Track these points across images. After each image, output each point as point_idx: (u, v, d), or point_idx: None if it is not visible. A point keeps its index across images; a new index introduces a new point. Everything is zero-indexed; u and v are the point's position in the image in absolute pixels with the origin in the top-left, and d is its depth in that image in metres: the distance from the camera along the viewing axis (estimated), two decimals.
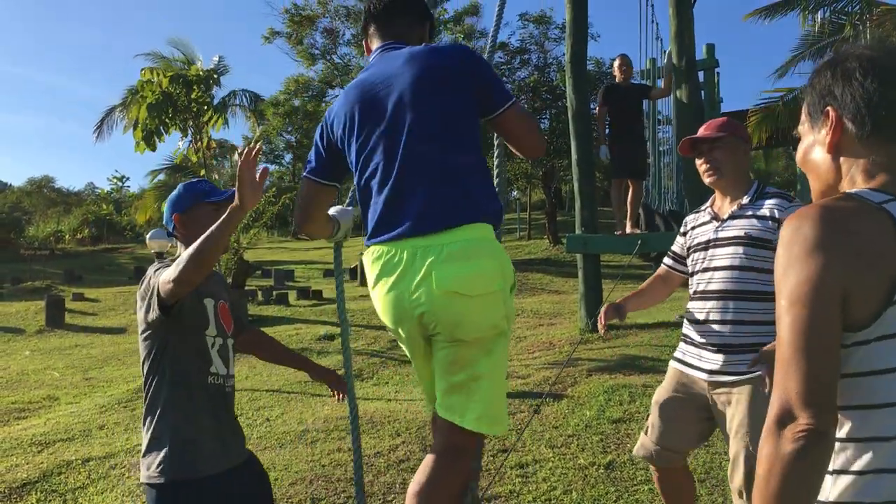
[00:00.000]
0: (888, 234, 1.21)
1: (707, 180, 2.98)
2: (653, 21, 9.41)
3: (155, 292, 2.31)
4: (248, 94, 29.07)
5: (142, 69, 9.93)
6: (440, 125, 2.29)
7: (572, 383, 6.36)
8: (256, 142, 30.83)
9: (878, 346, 1.21)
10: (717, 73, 10.87)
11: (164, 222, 2.66)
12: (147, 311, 2.36)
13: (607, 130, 7.85)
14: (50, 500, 4.79)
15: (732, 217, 2.87)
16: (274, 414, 6.32)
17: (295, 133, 32.90)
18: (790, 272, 1.23)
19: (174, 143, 23.95)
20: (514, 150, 2.55)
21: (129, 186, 40.29)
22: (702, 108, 8.53)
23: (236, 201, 2.22)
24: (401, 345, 2.49)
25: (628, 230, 7.91)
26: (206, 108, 10.19)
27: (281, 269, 18.37)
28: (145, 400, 2.45)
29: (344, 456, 4.93)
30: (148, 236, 8.81)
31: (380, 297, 2.33)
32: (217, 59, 19.56)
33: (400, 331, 2.34)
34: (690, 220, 3.14)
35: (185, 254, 2.22)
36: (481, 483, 4.14)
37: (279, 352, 3.06)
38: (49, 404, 7.73)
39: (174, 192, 2.65)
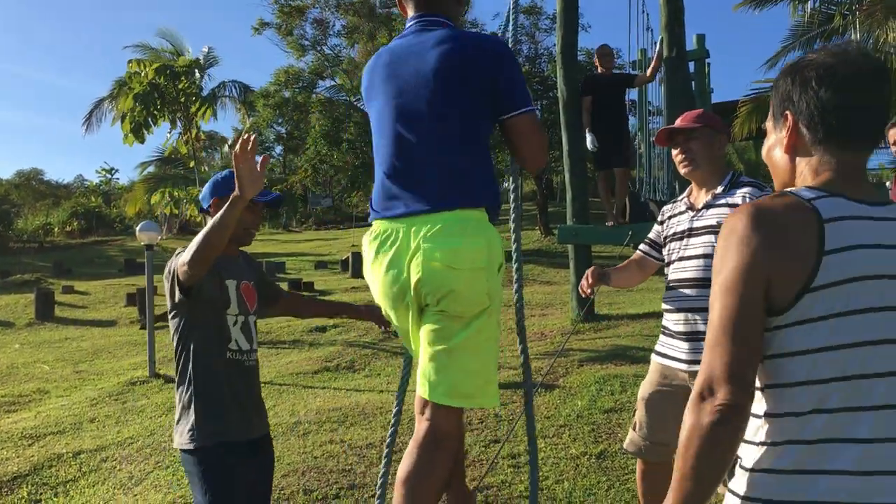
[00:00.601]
0: (810, 230, 1.32)
1: (682, 171, 3.00)
2: (643, 11, 9.39)
3: (175, 276, 2.54)
4: (237, 86, 28.95)
5: (129, 60, 9.87)
6: (451, 114, 2.36)
7: (564, 373, 6.37)
8: (247, 132, 30.76)
9: (795, 329, 1.33)
10: (708, 63, 10.84)
11: (200, 197, 2.86)
12: (171, 293, 2.60)
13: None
14: (41, 494, 4.78)
15: (707, 207, 2.90)
16: (266, 406, 6.31)
17: (285, 125, 32.76)
18: (723, 263, 1.37)
19: (163, 135, 23.95)
20: (514, 157, 2.60)
21: (118, 179, 40.08)
22: (692, 98, 8.53)
23: (236, 191, 2.34)
24: (395, 324, 2.53)
25: (619, 221, 7.93)
26: (194, 99, 10.13)
27: (272, 261, 18.31)
28: (176, 374, 2.70)
29: (336, 448, 4.93)
30: (138, 228, 8.74)
31: (378, 273, 2.42)
32: (206, 49, 19.48)
33: (397, 307, 2.42)
34: (668, 209, 3.17)
35: (195, 240, 2.43)
36: (474, 473, 4.15)
37: (320, 305, 3.48)
38: (39, 398, 7.70)
39: (220, 175, 2.83)
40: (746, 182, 2.89)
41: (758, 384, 1.37)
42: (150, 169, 30.37)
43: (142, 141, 9.10)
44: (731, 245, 1.36)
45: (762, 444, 1.36)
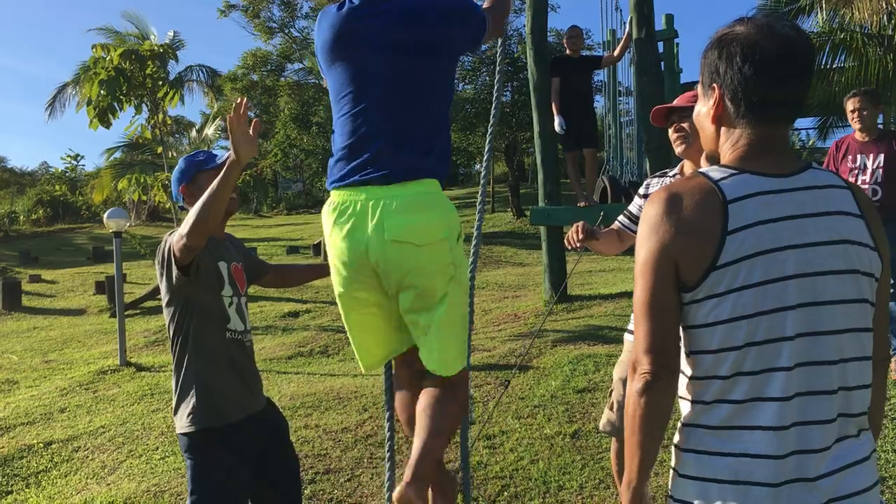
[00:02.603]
0: (715, 211, 1.43)
1: (677, 150, 3.00)
2: None
3: (172, 255, 2.50)
4: (204, 70, 28.53)
5: (93, 45, 9.66)
6: (422, 83, 2.38)
7: (537, 354, 6.41)
8: (215, 118, 30.38)
9: (706, 303, 1.45)
10: (677, 43, 10.87)
11: (174, 198, 2.86)
12: (168, 276, 2.56)
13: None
14: (12, 485, 4.72)
15: None
16: None
17: (254, 108, 32.41)
18: (640, 248, 1.50)
19: (129, 120, 23.51)
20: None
21: (84, 165, 39.42)
22: (661, 79, 8.56)
23: (232, 156, 2.36)
24: (341, 298, 2.50)
25: (590, 201, 7.96)
26: (161, 83, 9.97)
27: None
28: (173, 358, 2.67)
29: (311, 433, 4.93)
30: (105, 215, 8.61)
31: (336, 242, 2.39)
32: (172, 33, 19.15)
33: (353, 274, 2.40)
34: (654, 183, 3.15)
35: (191, 212, 2.39)
36: (450, 455, 4.17)
37: (302, 271, 3.44)
38: (8, 388, 7.58)
39: (176, 167, 2.82)
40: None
41: (686, 350, 1.51)
42: (117, 155, 29.91)
43: (108, 126, 8.91)
44: (644, 231, 1.49)
45: (695, 402, 1.50)
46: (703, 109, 1.59)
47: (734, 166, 1.49)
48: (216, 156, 2.77)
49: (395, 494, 2.22)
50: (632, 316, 3.04)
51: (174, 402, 2.67)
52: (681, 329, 1.51)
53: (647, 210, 1.49)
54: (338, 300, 2.54)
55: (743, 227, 1.42)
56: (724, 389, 1.45)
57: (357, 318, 2.54)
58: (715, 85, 1.53)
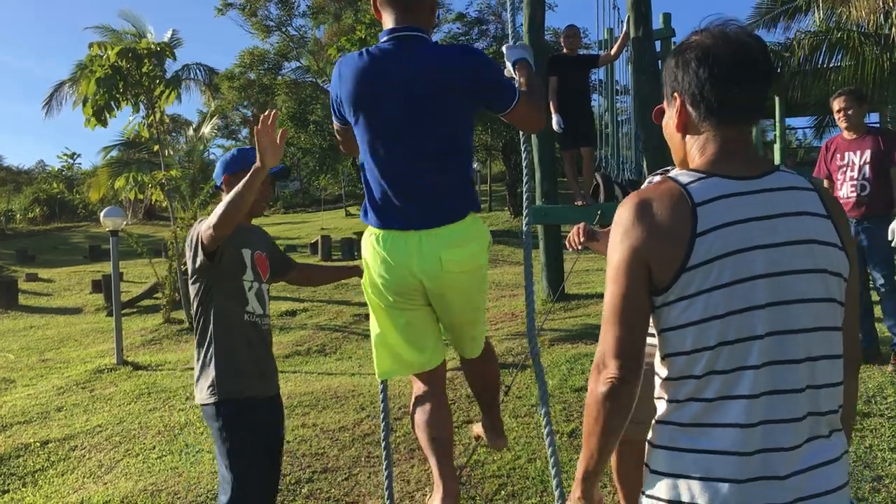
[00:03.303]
0: (684, 215, 1.46)
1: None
2: None
3: (199, 241, 2.77)
4: (202, 68, 28.48)
5: (90, 43, 9.64)
6: (445, 127, 2.53)
7: None
8: (212, 116, 30.32)
9: (678, 305, 1.47)
10: (674, 42, 10.87)
11: (213, 176, 3.11)
12: (195, 258, 2.83)
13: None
14: (9, 484, 4.71)
15: None
16: None
17: (251, 107, 32.35)
18: (611, 253, 1.54)
19: (126, 119, 23.45)
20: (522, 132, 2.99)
21: (80, 164, 39.31)
22: (659, 77, 8.56)
23: (258, 162, 2.60)
24: (380, 310, 2.72)
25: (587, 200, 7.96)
26: (157, 82, 9.95)
27: None
28: (196, 335, 2.93)
29: (308, 431, 4.92)
30: (102, 214, 8.59)
31: (382, 271, 2.60)
32: (170, 32, 19.11)
33: (400, 297, 2.64)
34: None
35: (218, 207, 2.67)
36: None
37: (327, 272, 3.81)
38: (5, 387, 7.57)
39: (228, 154, 3.08)
40: None
41: (661, 353, 1.54)
42: (114, 153, 29.84)
43: (104, 125, 8.86)
44: (616, 236, 1.53)
45: (669, 400, 1.53)
46: (669, 119, 1.65)
47: (702, 170, 1.53)
48: (273, 168, 2.89)
49: (497, 446, 3.19)
50: None
51: (196, 374, 2.91)
52: (655, 333, 1.54)
53: (619, 215, 1.53)
54: (377, 313, 2.74)
55: (712, 229, 1.45)
56: (698, 388, 1.48)
57: (402, 322, 2.71)
58: (676, 93, 1.59)
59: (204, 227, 2.74)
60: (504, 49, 2.87)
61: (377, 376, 2.90)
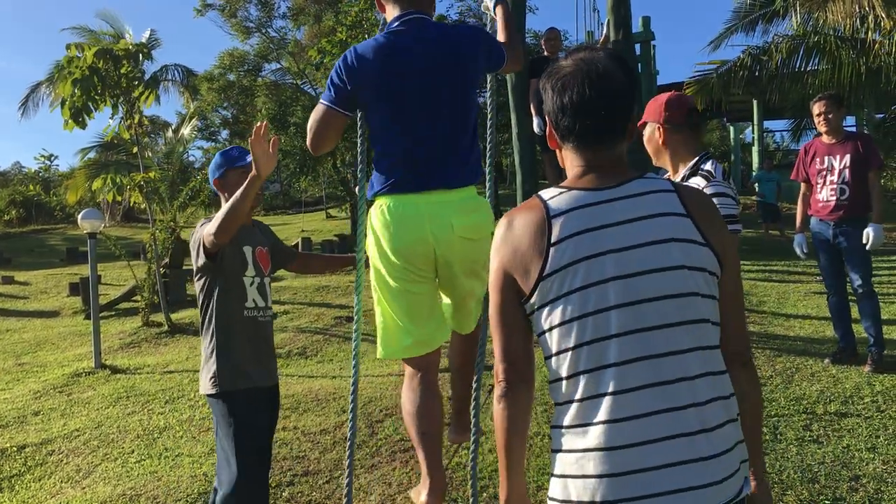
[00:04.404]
0: (541, 227, 1.58)
1: (656, 161, 3.11)
2: None
3: (201, 243, 2.95)
4: (180, 69, 28.32)
5: (67, 45, 9.53)
6: (461, 102, 2.77)
7: None
8: (191, 118, 30.12)
9: (542, 311, 1.59)
10: (654, 45, 10.95)
11: (209, 171, 3.24)
12: (197, 257, 3.02)
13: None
14: None
15: None
16: None
17: (231, 109, 32.16)
18: (489, 267, 1.67)
19: (105, 120, 23.23)
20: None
21: (58, 165, 38.98)
22: (639, 81, 8.61)
23: (253, 171, 2.76)
24: (386, 287, 2.83)
25: None
26: (136, 83, 9.85)
27: None
28: (201, 329, 3.13)
29: (289, 434, 4.90)
30: (80, 216, 8.49)
31: (393, 239, 2.73)
32: (148, 33, 18.96)
33: (409, 265, 2.76)
34: None
35: (218, 214, 2.83)
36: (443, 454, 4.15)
37: (323, 260, 3.98)
38: None
39: (213, 161, 3.22)
40: (701, 171, 2.98)
41: (544, 359, 1.64)
42: (91, 155, 29.57)
43: (83, 127, 8.75)
44: (491, 252, 1.66)
45: (556, 404, 1.63)
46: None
47: (565, 185, 1.64)
48: (247, 152, 3.03)
49: (456, 440, 3.38)
50: None
51: (201, 365, 3.11)
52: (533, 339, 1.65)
53: (496, 232, 1.66)
54: (385, 288, 2.84)
55: (565, 238, 1.55)
56: (569, 389, 1.56)
57: (410, 296, 2.82)
58: (547, 117, 1.69)
59: (206, 231, 2.90)
60: None
61: (380, 355, 2.95)
